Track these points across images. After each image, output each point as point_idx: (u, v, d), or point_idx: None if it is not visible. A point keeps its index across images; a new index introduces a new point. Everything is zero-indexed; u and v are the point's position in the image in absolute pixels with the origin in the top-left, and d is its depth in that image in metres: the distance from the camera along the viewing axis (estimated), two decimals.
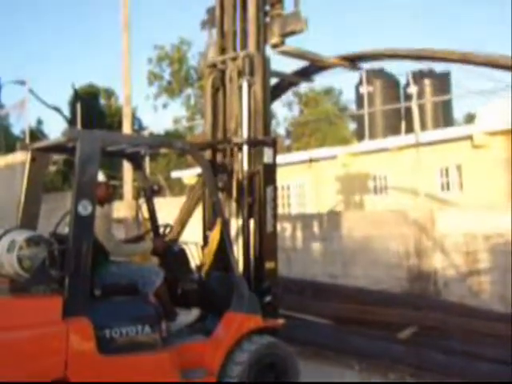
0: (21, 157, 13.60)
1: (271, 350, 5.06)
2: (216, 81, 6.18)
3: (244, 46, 6.23)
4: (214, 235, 5.26)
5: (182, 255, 5.54)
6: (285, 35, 6.36)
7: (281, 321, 5.43)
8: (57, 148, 5.22)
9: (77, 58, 52.10)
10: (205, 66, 6.54)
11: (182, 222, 8.70)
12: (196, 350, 4.78)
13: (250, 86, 5.82)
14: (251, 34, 6.12)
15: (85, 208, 4.20)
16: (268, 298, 5.39)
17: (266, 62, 6.06)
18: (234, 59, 6.04)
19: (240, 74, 5.90)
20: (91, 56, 56.04)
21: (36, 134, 23.66)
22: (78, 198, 4.20)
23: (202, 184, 6.47)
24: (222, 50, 6.38)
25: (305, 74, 8.44)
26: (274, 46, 6.44)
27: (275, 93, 8.12)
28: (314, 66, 8.19)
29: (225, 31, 6.41)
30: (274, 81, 7.39)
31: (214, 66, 6.29)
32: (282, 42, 6.43)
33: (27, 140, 15.41)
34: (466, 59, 7.38)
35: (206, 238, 5.79)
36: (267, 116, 6.00)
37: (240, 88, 5.89)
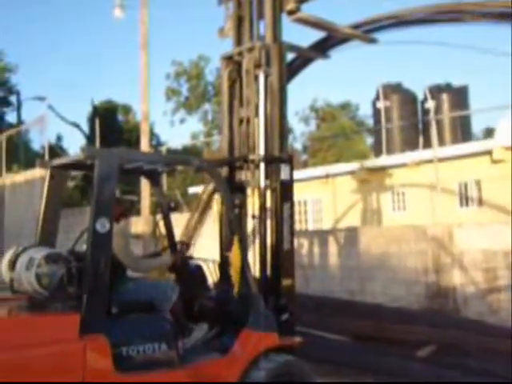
0: (40, 172, 13.75)
1: (288, 368, 4.98)
2: (232, 73, 6.16)
3: (260, 15, 6.23)
4: (235, 254, 5.16)
5: (198, 272, 5.53)
6: (301, 0, 6.30)
7: (298, 338, 5.37)
8: (75, 165, 5.23)
9: (96, 74, 52.79)
10: (221, 37, 6.57)
11: (189, 236, 8.69)
12: (212, 368, 4.73)
13: (266, 77, 5.81)
14: (267, 1, 6.11)
15: (103, 226, 4.21)
16: (285, 316, 5.36)
17: (282, 52, 6.05)
18: (251, 50, 6.01)
19: (256, 65, 5.87)
20: (110, 72, 56.75)
21: (55, 149, 23.89)
22: (96, 216, 4.21)
23: (210, 199, 6.43)
24: (239, 21, 6.37)
25: (320, 49, 8.29)
26: (290, 13, 6.34)
27: (289, 71, 7.80)
28: (330, 40, 8.05)
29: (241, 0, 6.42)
30: (288, 57, 7.21)
31: (230, 58, 6.26)
32: (298, 9, 6.35)
33: (46, 156, 15.55)
34: (483, 5, 7.28)
35: (225, 259, 5.69)
36: (284, 107, 5.94)
37: (256, 79, 5.85)
